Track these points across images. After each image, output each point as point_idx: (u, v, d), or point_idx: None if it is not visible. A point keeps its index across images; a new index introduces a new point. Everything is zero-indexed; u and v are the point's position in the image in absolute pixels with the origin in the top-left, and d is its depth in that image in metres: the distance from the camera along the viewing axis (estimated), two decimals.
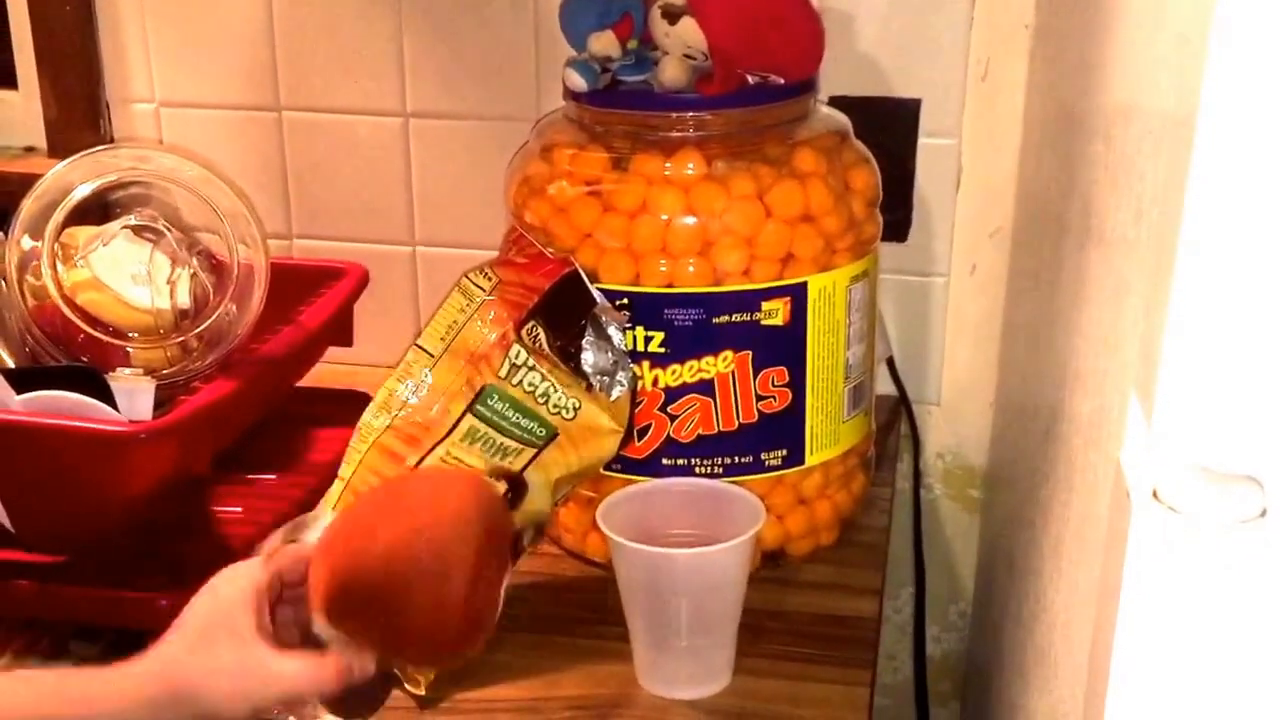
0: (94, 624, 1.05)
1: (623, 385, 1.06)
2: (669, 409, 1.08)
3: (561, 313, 1.05)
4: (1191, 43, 0.50)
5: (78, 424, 0.99)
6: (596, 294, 1.06)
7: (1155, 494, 0.49)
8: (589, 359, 1.05)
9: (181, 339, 1.10)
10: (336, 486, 1.04)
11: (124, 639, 1.03)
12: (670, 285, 1.06)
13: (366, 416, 1.05)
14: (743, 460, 1.10)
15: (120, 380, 1.03)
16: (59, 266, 1.08)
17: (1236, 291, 0.48)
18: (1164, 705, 0.52)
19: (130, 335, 1.09)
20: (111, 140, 1.48)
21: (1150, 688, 0.51)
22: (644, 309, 1.06)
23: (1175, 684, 0.51)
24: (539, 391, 1.03)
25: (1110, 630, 0.51)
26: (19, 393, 1.01)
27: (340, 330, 1.22)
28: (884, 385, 1.37)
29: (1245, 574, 0.49)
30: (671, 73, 1.08)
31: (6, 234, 1.09)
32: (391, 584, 0.80)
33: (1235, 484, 0.48)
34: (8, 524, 1.03)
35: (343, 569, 0.81)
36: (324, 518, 0.95)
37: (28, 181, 1.11)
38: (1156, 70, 0.60)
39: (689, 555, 0.95)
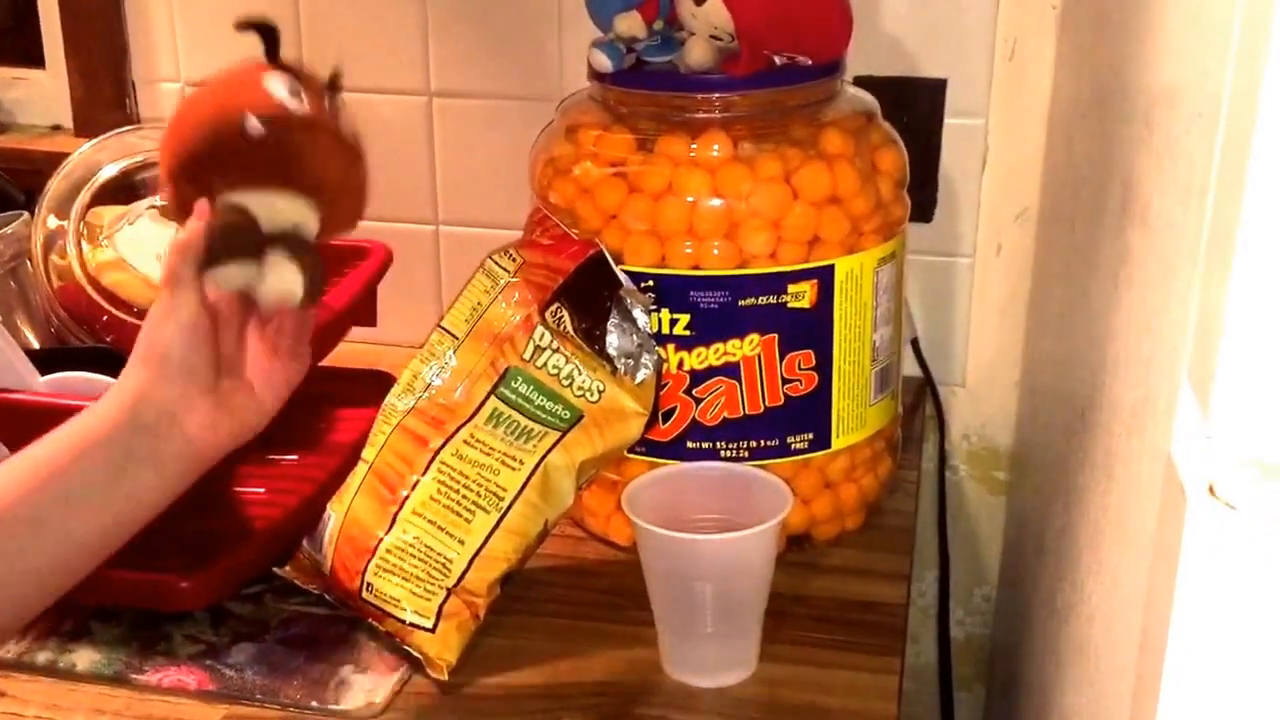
0: (115, 605, 1.05)
1: (648, 368, 1.05)
2: (694, 392, 1.07)
3: (586, 295, 1.05)
4: (1250, 26, 0.48)
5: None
6: (621, 276, 1.05)
7: (1211, 490, 0.48)
8: (614, 341, 1.05)
9: None
10: (360, 469, 1.04)
11: (145, 619, 1.03)
12: (696, 267, 1.05)
13: (391, 398, 1.05)
14: (768, 444, 1.09)
15: None
16: (84, 246, 1.08)
17: None
18: (1219, 711, 0.50)
19: None
20: (137, 119, 1.48)
21: (1205, 693, 0.50)
22: (669, 291, 1.05)
23: (1231, 689, 0.50)
24: (563, 374, 1.02)
25: (1163, 631, 0.50)
26: (44, 373, 1.00)
27: (364, 310, 1.21)
28: (909, 366, 1.36)
29: None
30: (698, 54, 1.07)
31: (33, 213, 1.09)
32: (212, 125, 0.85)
33: None
34: None
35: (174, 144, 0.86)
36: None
37: (54, 160, 1.11)
38: (1206, 52, 0.59)
39: (715, 541, 0.94)
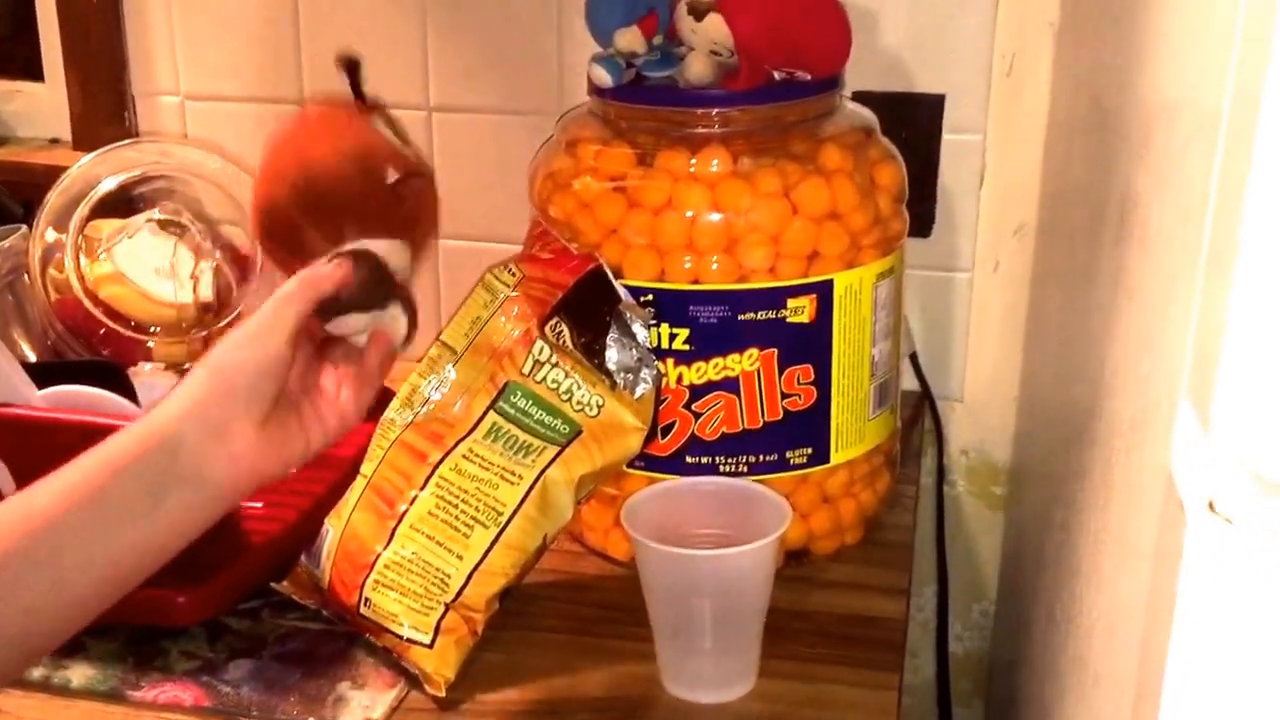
0: (110, 621, 1.04)
1: (647, 383, 1.05)
2: (693, 407, 1.07)
3: (586, 309, 1.05)
4: (1250, 40, 0.48)
5: (98, 419, 0.98)
6: (621, 290, 1.05)
7: (1211, 505, 0.48)
8: (613, 356, 1.05)
9: (204, 333, 1.10)
10: (359, 483, 1.03)
11: (141, 635, 1.03)
12: (695, 282, 1.05)
13: (389, 413, 1.05)
14: (767, 459, 1.09)
15: (141, 375, 1.03)
16: (82, 260, 1.08)
17: None
18: None
19: (152, 329, 1.09)
20: (136, 133, 1.48)
21: (1205, 708, 0.50)
22: (669, 306, 1.05)
23: (1232, 704, 0.50)
24: (562, 388, 1.02)
25: (1163, 647, 0.50)
26: (40, 387, 1.00)
27: None
28: (907, 381, 1.37)
29: None
30: (697, 69, 1.07)
31: (31, 227, 1.09)
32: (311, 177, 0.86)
33: None
34: None
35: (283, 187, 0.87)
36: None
37: (53, 173, 1.11)
38: (1204, 68, 0.59)
39: (713, 557, 0.94)
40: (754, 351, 1.06)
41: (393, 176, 0.87)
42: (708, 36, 1.08)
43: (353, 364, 0.87)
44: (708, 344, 1.06)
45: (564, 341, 1.04)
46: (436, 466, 1.00)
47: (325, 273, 0.84)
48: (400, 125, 0.91)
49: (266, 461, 0.81)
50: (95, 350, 1.08)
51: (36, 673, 1.00)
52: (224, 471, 0.79)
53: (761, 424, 1.08)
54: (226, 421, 0.79)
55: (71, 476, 0.76)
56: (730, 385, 1.07)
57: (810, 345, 1.07)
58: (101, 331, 1.07)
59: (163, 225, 1.11)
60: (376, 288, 0.85)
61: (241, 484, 0.81)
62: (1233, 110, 0.50)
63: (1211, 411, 0.48)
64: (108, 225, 1.09)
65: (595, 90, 1.12)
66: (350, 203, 0.86)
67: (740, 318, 1.05)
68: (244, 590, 1.06)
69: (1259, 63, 0.45)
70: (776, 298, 1.05)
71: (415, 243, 0.89)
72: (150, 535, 0.78)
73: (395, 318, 0.87)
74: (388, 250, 0.87)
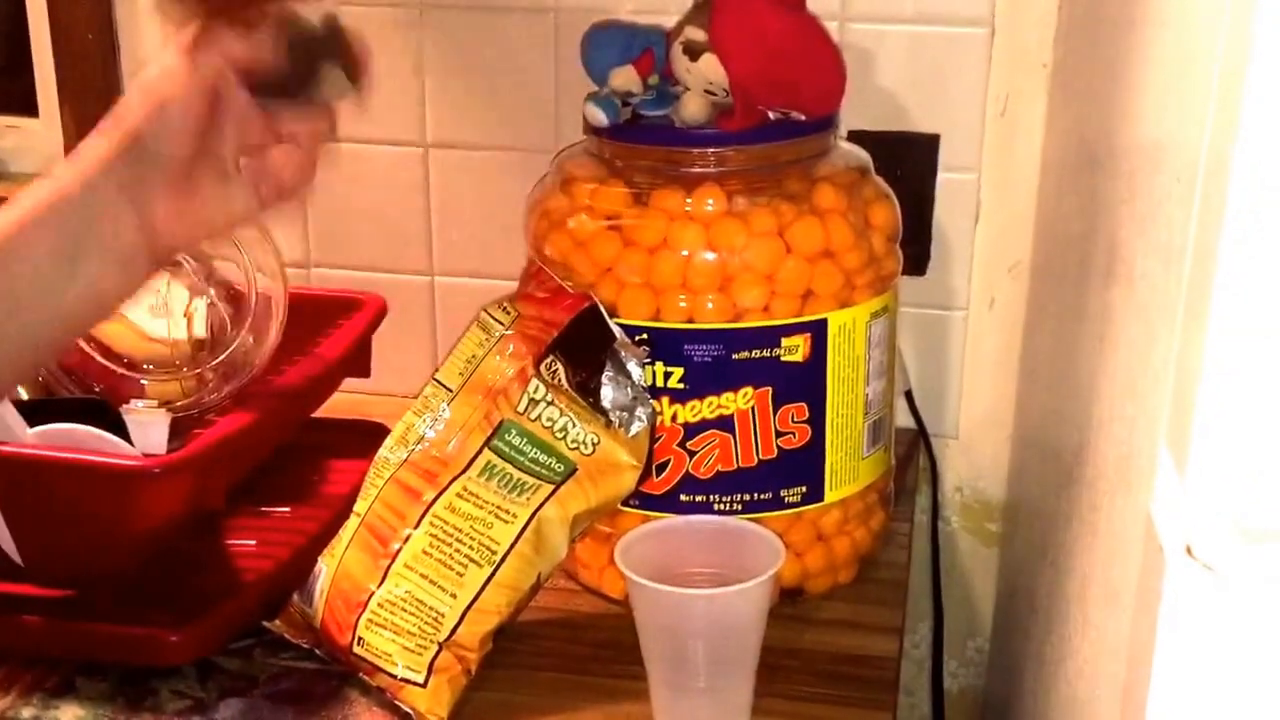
0: (102, 660, 1.04)
1: (642, 421, 1.05)
2: (688, 445, 1.08)
3: (580, 348, 1.05)
4: (1224, 91, 0.49)
5: (90, 458, 0.98)
6: (616, 329, 1.05)
7: (1189, 550, 0.48)
8: (608, 394, 1.05)
9: (198, 370, 1.10)
10: (352, 521, 1.04)
11: (131, 675, 1.03)
12: (690, 321, 1.05)
13: (383, 451, 1.05)
14: (762, 497, 1.09)
15: (134, 413, 1.03)
16: None
17: (1272, 344, 0.47)
18: None
19: (145, 367, 1.09)
20: None
21: None
22: (663, 344, 1.06)
23: None
24: (557, 427, 1.02)
25: (1144, 690, 0.50)
26: (31, 425, 1.00)
27: (358, 361, 1.21)
28: (902, 418, 1.37)
29: None
30: (692, 108, 1.08)
31: None
32: None
33: (1273, 542, 0.48)
34: (17, 558, 1.02)
35: None
36: None
37: None
38: (1185, 117, 0.59)
39: (707, 596, 0.94)
40: (748, 390, 1.06)
41: None
42: (703, 76, 1.09)
43: (297, 137, 0.80)
44: (702, 382, 1.06)
45: (559, 380, 1.04)
46: (430, 505, 1.01)
47: (241, 48, 0.77)
48: None
49: (184, 222, 0.76)
50: (88, 387, 1.08)
51: (26, 713, 0.99)
52: (139, 236, 0.75)
53: (756, 462, 1.08)
54: (140, 178, 0.75)
55: None
56: (725, 424, 1.07)
57: (804, 384, 1.08)
58: (94, 368, 1.07)
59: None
60: (304, 55, 0.79)
61: (161, 247, 0.76)
62: (1208, 160, 0.51)
63: (1189, 458, 0.48)
64: None
65: (591, 129, 1.12)
66: None
67: (735, 356, 1.06)
68: (235, 629, 1.05)
69: (1232, 113, 0.46)
70: (771, 336, 1.06)
71: None
72: (64, 311, 0.74)
73: (333, 81, 0.80)
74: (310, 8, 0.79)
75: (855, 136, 1.28)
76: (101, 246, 0.74)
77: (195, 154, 0.76)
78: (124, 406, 1.04)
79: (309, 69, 0.80)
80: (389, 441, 1.05)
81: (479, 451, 1.02)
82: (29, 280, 0.73)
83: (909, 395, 1.39)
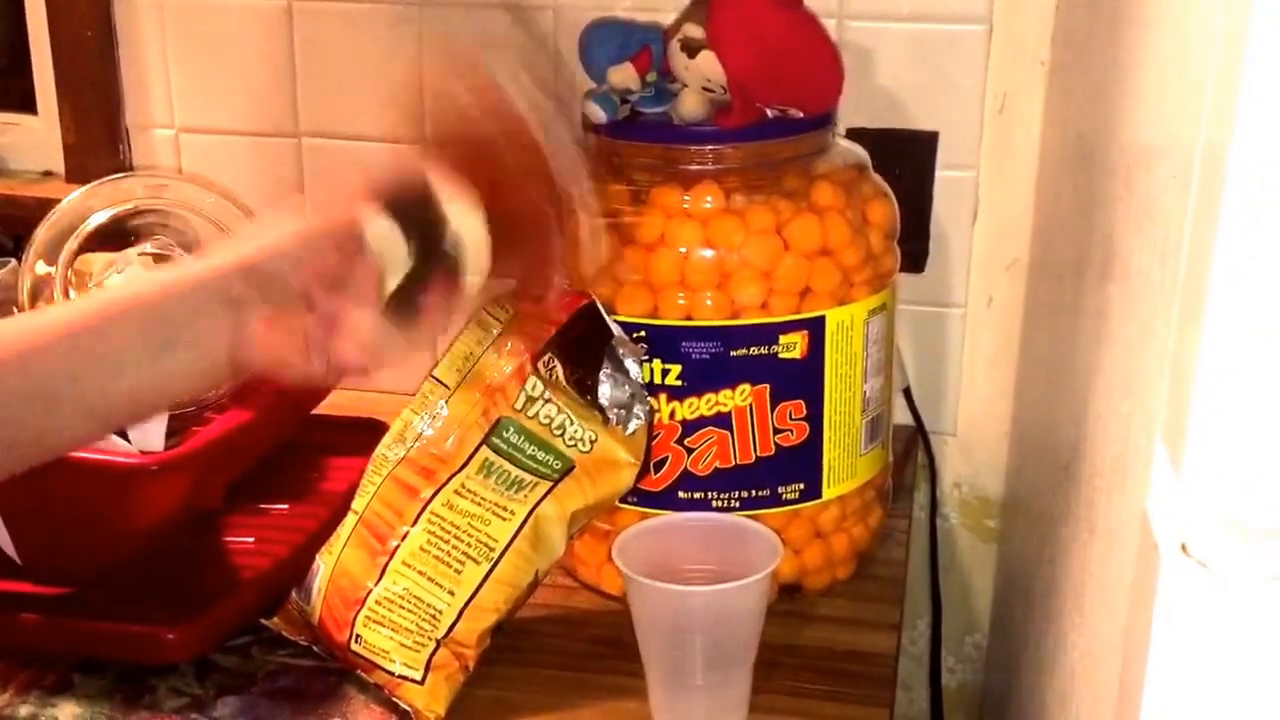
0: (100, 658, 1.04)
1: (639, 418, 1.05)
2: (686, 442, 1.08)
3: (578, 345, 1.05)
4: (1220, 88, 0.49)
5: (88, 456, 0.98)
6: (614, 326, 1.05)
7: (1184, 548, 0.48)
8: (605, 391, 1.05)
9: None
10: (350, 519, 1.04)
11: (129, 672, 1.03)
12: (688, 318, 1.06)
13: (381, 448, 1.05)
14: (760, 494, 1.09)
15: None
16: (71, 294, 1.08)
17: (1267, 342, 0.47)
18: None
19: None
20: (130, 166, 1.48)
21: None
22: (661, 342, 1.06)
23: None
24: (555, 424, 1.02)
25: (1138, 686, 0.50)
26: None
27: None
28: (900, 415, 1.37)
29: (1277, 633, 0.48)
30: (690, 106, 1.08)
31: (20, 260, 1.09)
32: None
33: (1268, 540, 0.48)
34: (15, 556, 1.02)
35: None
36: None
37: (45, 206, 1.11)
38: (1180, 115, 0.60)
39: (705, 593, 0.94)
40: (746, 387, 1.06)
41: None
42: (701, 73, 1.09)
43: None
44: (700, 380, 1.06)
45: (557, 377, 1.04)
46: (428, 502, 1.01)
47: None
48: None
49: (263, 351, 0.79)
50: None
51: (24, 710, 0.99)
52: (227, 345, 0.78)
53: (754, 459, 1.08)
54: (243, 301, 0.77)
55: (85, 306, 0.78)
56: (722, 421, 1.07)
57: (802, 381, 1.08)
58: None
59: (155, 258, 1.11)
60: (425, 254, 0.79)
61: (238, 360, 0.79)
62: (1204, 157, 0.51)
63: (1184, 455, 0.48)
64: (98, 259, 1.10)
65: (589, 126, 1.12)
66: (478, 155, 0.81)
67: (732, 353, 1.06)
68: (233, 626, 1.06)
69: (1228, 110, 0.46)
70: (768, 334, 1.06)
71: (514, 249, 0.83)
72: (139, 383, 0.78)
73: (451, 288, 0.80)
74: (471, 233, 0.80)
75: (853, 134, 1.28)
76: (192, 344, 0.78)
77: (305, 306, 0.79)
78: None
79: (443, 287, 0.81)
80: (387, 439, 1.05)
81: (477, 449, 1.02)
82: (118, 351, 0.77)
83: (907, 392, 1.39)
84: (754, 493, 1.09)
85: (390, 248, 0.79)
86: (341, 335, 0.78)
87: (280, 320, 0.78)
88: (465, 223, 0.81)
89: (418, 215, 0.80)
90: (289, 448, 1.18)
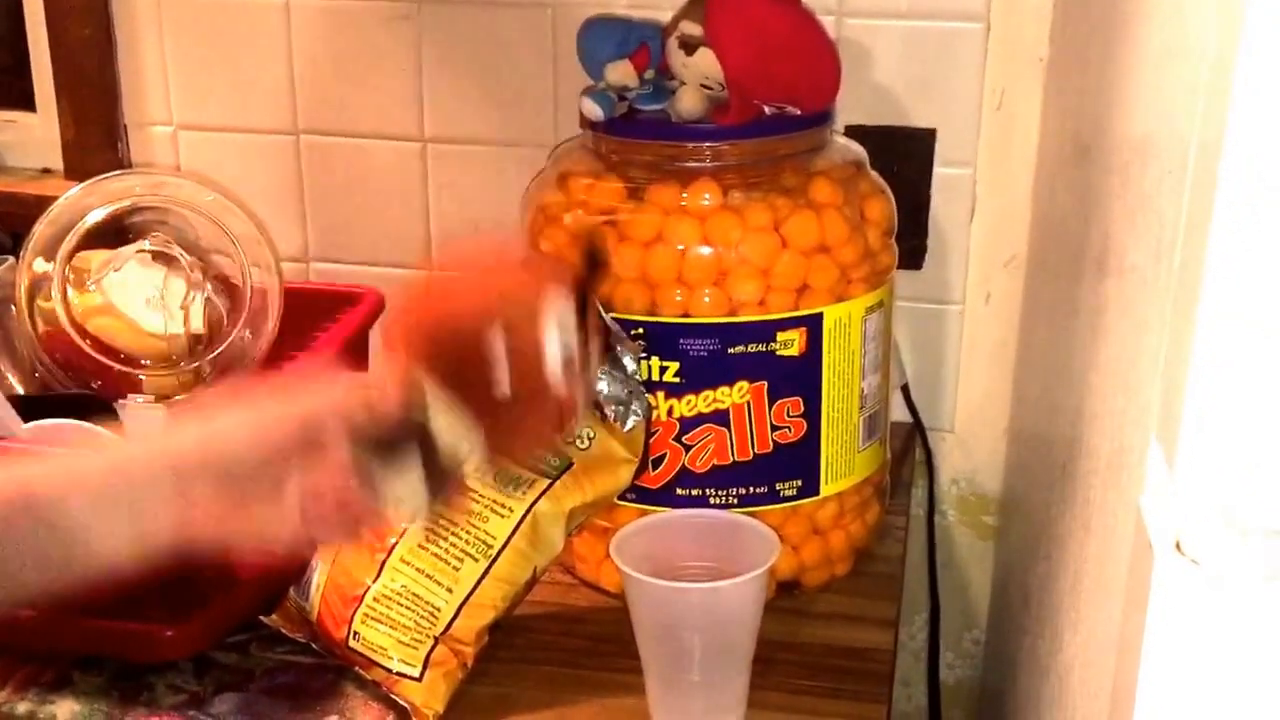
0: (98, 655, 1.04)
1: (637, 415, 1.05)
2: (684, 439, 1.08)
3: None
4: (1214, 83, 0.49)
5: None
6: (612, 323, 1.05)
7: (1178, 546, 0.48)
8: (604, 389, 1.05)
9: (195, 365, 1.10)
10: None
11: (127, 669, 1.03)
12: (686, 315, 1.06)
13: None
14: (757, 490, 1.09)
15: (130, 408, 1.03)
16: (70, 291, 1.08)
17: (1262, 338, 0.47)
18: None
19: (143, 362, 1.09)
20: (129, 163, 1.48)
21: None
22: (659, 339, 1.06)
23: None
24: None
25: (1131, 684, 0.50)
26: (27, 420, 1.00)
27: (355, 356, 1.21)
28: (899, 412, 1.37)
29: (1271, 633, 0.48)
30: (688, 103, 1.08)
31: (19, 257, 1.09)
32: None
33: (1262, 538, 0.48)
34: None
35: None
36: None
37: (43, 204, 1.11)
38: (1174, 111, 0.60)
39: (703, 590, 0.94)
40: (744, 384, 1.06)
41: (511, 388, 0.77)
42: (698, 71, 1.09)
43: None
44: (698, 377, 1.06)
45: None
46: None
47: (361, 424, 0.76)
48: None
49: (220, 528, 0.77)
50: (84, 383, 1.08)
51: (22, 708, 1.00)
52: (174, 526, 0.76)
53: (752, 456, 1.08)
54: (197, 486, 0.76)
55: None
56: (720, 418, 1.07)
57: (800, 378, 1.08)
58: (90, 364, 1.07)
59: (153, 256, 1.11)
60: (434, 463, 0.77)
61: (185, 538, 0.77)
62: (1198, 153, 0.51)
63: (1178, 452, 0.48)
64: (97, 256, 1.09)
65: (587, 124, 1.12)
66: (461, 370, 0.77)
67: (730, 351, 1.06)
68: (232, 623, 1.06)
69: (1222, 106, 0.46)
70: (766, 331, 1.06)
71: (502, 446, 0.81)
72: (83, 549, 0.76)
73: (409, 490, 0.77)
74: (454, 432, 0.77)
75: (851, 131, 1.28)
76: (136, 524, 0.76)
77: (267, 495, 0.76)
78: (120, 401, 1.04)
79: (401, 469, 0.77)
80: None
81: None
82: (68, 520, 0.75)
83: (905, 389, 1.39)
84: (752, 489, 1.09)
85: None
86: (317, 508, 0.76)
87: (239, 496, 0.76)
88: (461, 445, 0.79)
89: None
90: None
